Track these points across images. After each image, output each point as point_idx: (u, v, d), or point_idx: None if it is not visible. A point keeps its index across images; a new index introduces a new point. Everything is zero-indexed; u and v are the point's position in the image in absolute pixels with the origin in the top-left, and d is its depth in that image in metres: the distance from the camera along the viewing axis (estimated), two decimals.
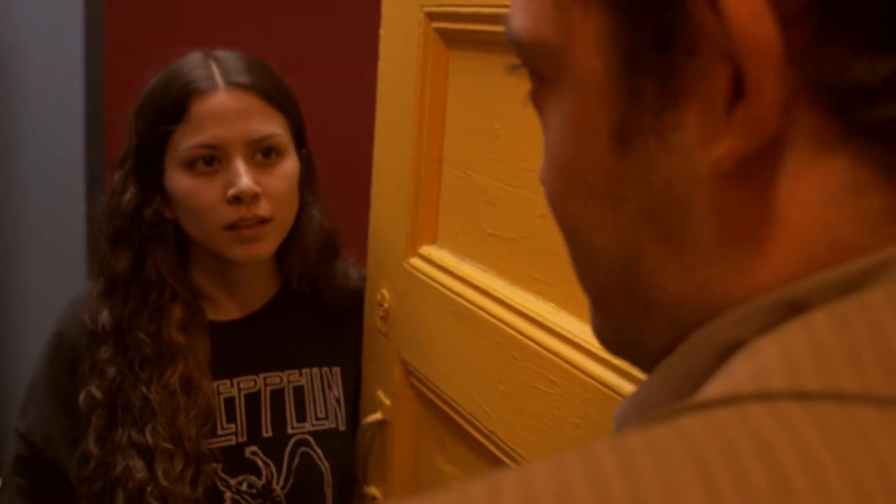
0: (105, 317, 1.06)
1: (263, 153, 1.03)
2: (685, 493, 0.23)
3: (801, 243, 0.30)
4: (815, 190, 0.29)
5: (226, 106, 1.01)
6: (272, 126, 1.04)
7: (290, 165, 1.06)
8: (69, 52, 1.94)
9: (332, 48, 2.05)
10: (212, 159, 1.01)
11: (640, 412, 0.35)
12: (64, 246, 2.10)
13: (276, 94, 1.06)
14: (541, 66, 0.36)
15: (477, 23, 0.89)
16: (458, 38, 0.95)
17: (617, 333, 0.39)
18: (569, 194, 0.36)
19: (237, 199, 1.01)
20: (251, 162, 1.02)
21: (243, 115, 1.02)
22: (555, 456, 0.26)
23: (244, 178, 1.00)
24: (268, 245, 1.05)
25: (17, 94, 2.35)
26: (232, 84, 1.02)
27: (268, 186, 1.03)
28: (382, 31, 1.09)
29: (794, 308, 0.29)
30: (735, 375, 0.28)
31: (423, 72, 0.99)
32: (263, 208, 1.02)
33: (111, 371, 1.05)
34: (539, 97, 0.37)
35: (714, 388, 0.28)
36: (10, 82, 2.37)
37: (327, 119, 1.70)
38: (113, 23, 1.89)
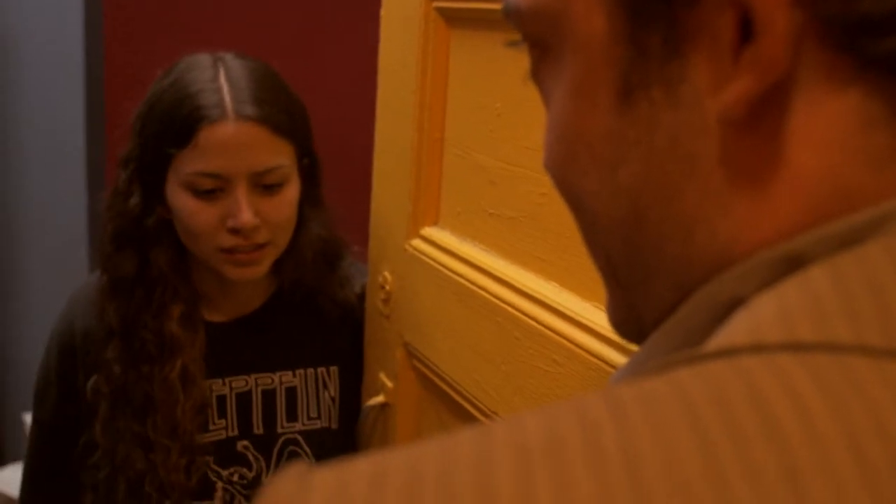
0: (112, 315, 1.08)
1: (265, 184, 1.03)
2: (677, 440, 0.23)
3: (805, 191, 0.30)
4: (825, 129, 0.29)
5: (233, 138, 1.00)
6: (278, 158, 1.03)
7: (291, 192, 1.06)
8: (69, 40, 1.94)
9: (332, 29, 2.04)
10: (214, 187, 1.01)
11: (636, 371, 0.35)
12: (65, 234, 2.10)
13: (285, 122, 1.04)
14: (541, 35, 0.36)
15: (477, 1, 0.89)
16: (458, 17, 0.94)
17: (628, 310, 0.39)
18: (571, 163, 0.36)
19: (236, 231, 1.01)
20: (253, 190, 1.02)
21: (250, 148, 1.01)
22: (547, 407, 0.26)
23: (245, 212, 1.00)
24: (262, 268, 1.07)
25: (17, 82, 2.35)
26: (241, 115, 1.00)
27: (268, 215, 1.03)
28: (383, 11, 1.08)
29: (794, 263, 0.29)
30: (732, 331, 0.28)
31: (424, 51, 0.98)
32: (262, 235, 1.03)
33: (117, 369, 1.07)
34: (539, 71, 0.38)
35: (711, 343, 0.28)
36: (9, 70, 2.37)
37: (328, 100, 1.69)
38: (112, 11, 1.88)
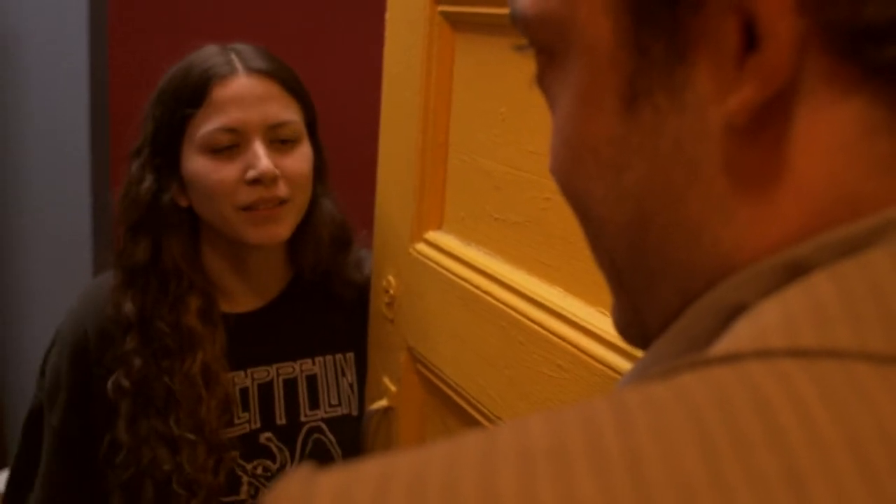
0: (129, 307, 1.07)
1: (280, 138, 1.05)
2: (681, 445, 0.23)
3: (809, 197, 0.30)
4: (828, 136, 0.29)
5: (246, 90, 1.03)
6: (290, 113, 1.06)
7: (306, 150, 1.08)
8: (72, 39, 1.94)
9: (337, 32, 2.04)
10: (231, 142, 1.03)
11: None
12: (68, 234, 2.10)
13: (293, 83, 1.08)
14: (547, 41, 0.36)
15: (483, 5, 0.89)
16: (463, 21, 0.94)
17: (633, 314, 0.39)
18: (577, 169, 0.36)
19: (256, 181, 1.02)
20: (269, 146, 1.04)
21: (263, 100, 1.03)
22: (552, 411, 0.26)
23: (264, 160, 1.01)
24: (283, 228, 1.06)
25: (19, 82, 2.35)
26: (251, 69, 1.04)
27: (286, 168, 1.04)
28: (388, 15, 1.08)
29: (798, 270, 0.29)
30: (736, 337, 0.28)
31: (428, 56, 0.98)
32: (282, 189, 1.04)
33: (137, 361, 1.06)
34: (545, 77, 0.38)
35: (715, 349, 0.28)
36: (12, 70, 2.37)
37: (332, 104, 1.69)
38: (116, 10, 1.88)
